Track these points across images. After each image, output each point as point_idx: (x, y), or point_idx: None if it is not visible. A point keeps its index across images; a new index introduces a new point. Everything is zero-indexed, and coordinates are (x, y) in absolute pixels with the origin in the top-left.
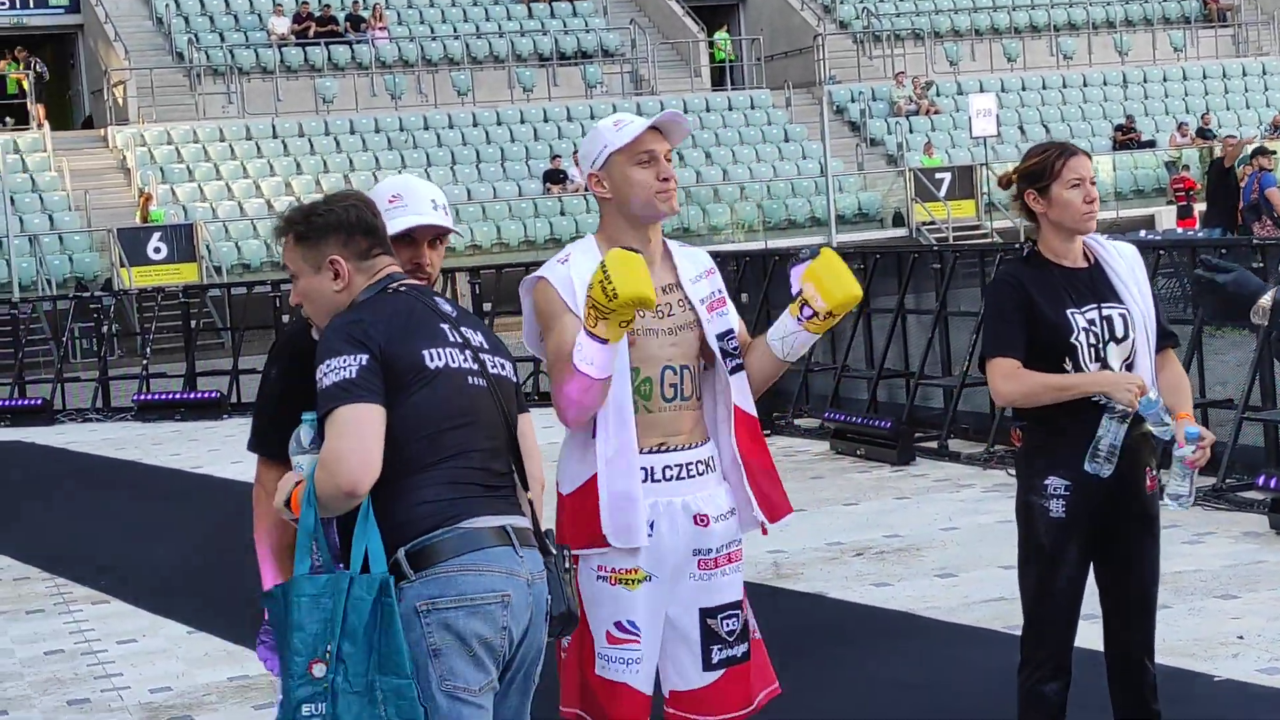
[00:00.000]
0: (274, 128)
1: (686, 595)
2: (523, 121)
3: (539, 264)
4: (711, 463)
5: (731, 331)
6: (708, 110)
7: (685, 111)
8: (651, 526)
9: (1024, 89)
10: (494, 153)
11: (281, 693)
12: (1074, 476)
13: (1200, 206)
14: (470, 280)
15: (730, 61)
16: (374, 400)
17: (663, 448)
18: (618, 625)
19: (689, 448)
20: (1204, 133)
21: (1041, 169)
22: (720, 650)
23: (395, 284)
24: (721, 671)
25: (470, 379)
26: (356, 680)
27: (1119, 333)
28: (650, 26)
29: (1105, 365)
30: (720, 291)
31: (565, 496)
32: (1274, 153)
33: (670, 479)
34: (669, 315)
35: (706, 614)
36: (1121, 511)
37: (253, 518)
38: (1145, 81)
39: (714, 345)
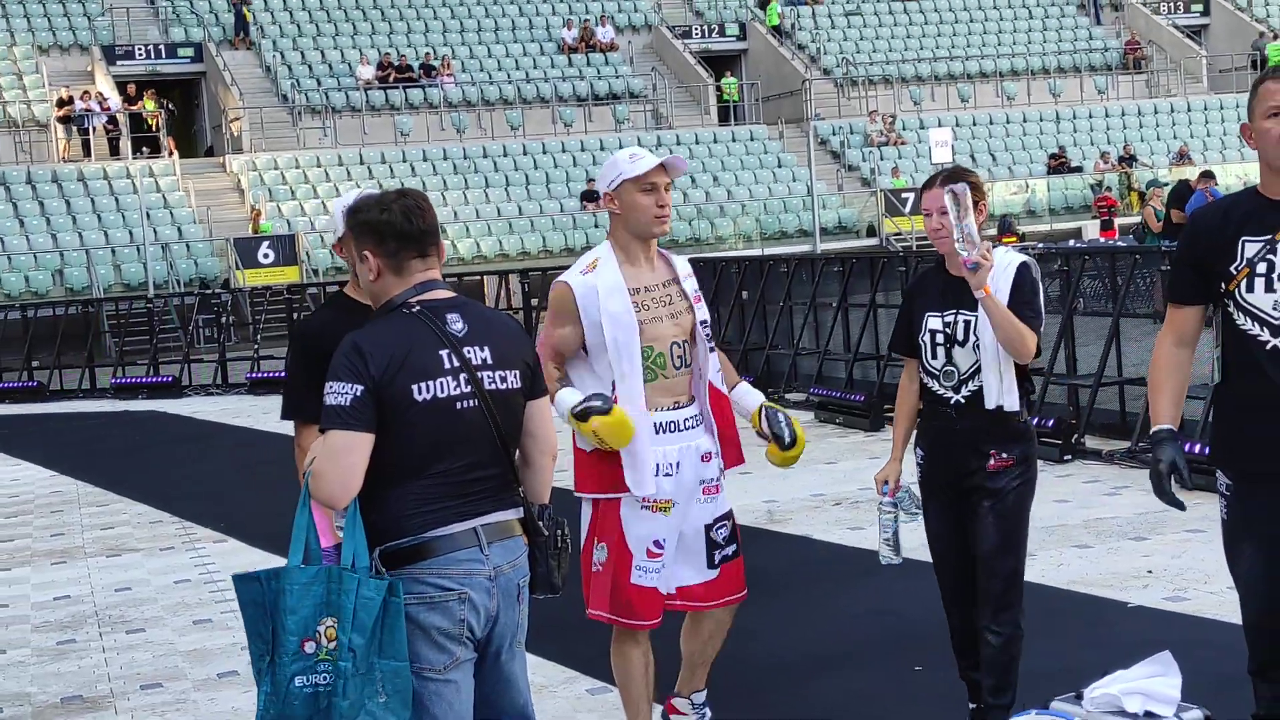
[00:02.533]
0: (361, 156)
1: (695, 515)
2: (564, 151)
3: None
4: (703, 414)
5: (706, 320)
6: (715, 142)
7: (696, 142)
8: (678, 466)
9: (974, 124)
10: (540, 176)
11: (260, 675)
12: (927, 447)
13: (1120, 220)
14: (521, 280)
15: (734, 102)
16: (362, 428)
17: (676, 405)
18: (654, 543)
19: (689, 405)
20: (1124, 160)
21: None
22: (718, 553)
23: (417, 298)
24: (719, 569)
25: (459, 403)
26: (361, 664)
27: (959, 337)
28: (668, 73)
29: (951, 363)
30: (698, 290)
31: (587, 454)
32: (1213, 176)
33: (688, 429)
34: (671, 303)
35: (708, 528)
36: (965, 484)
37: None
38: (1074, 118)
39: (699, 329)
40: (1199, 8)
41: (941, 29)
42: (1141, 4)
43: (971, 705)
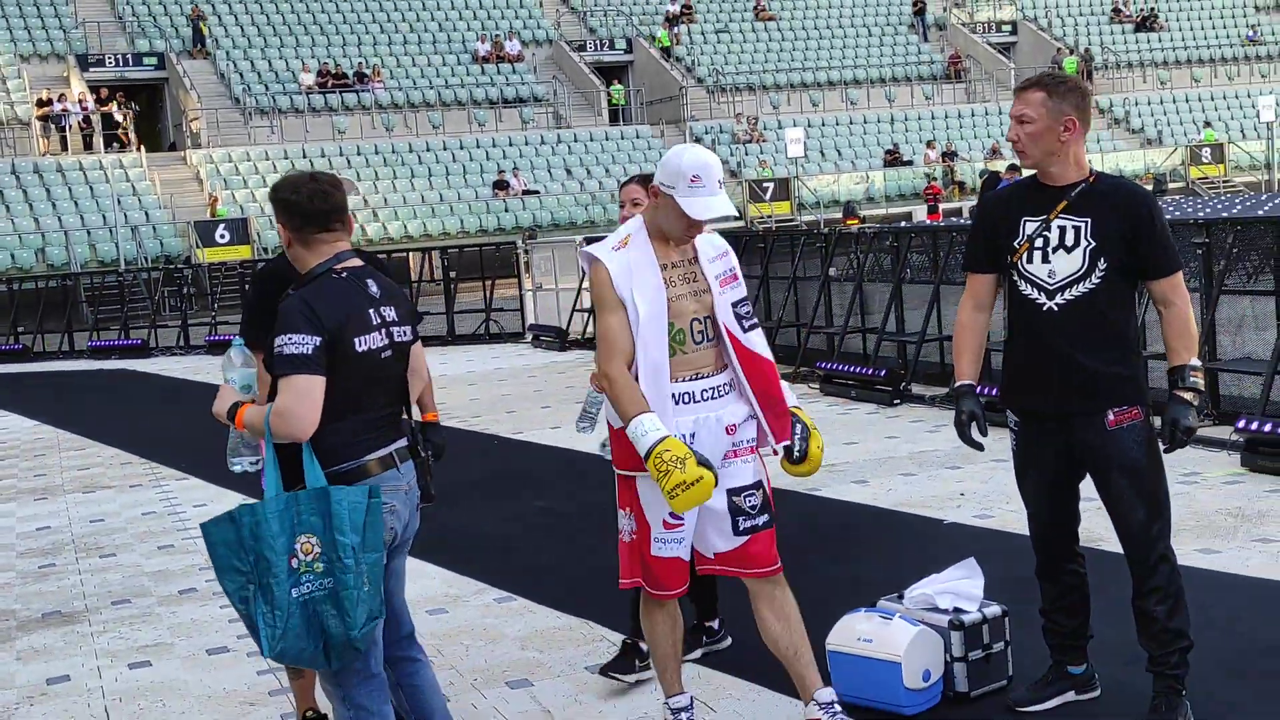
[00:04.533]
0: (304, 151)
1: (720, 481)
2: (478, 146)
3: (491, 245)
4: (731, 383)
5: (744, 299)
6: (607, 139)
7: (591, 139)
8: (694, 437)
9: (823, 125)
10: (458, 169)
11: (250, 604)
12: None
13: (944, 205)
14: (441, 256)
15: (622, 105)
16: (320, 373)
17: (698, 376)
18: (671, 514)
19: (715, 375)
20: (946, 156)
21: None
22: (745, 520)
23: (339, 266)
24: (748, 537)
25: (383, 354)
26: (350, 561)
27: None
28: (566, 80)
29: None
30: (732, 270)
31: (618, 430)
32: (1018, 168)
33: (707, 399)
34: (694, 281)
35: (732, 493)
36: None
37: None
38: (906, 120)
39: (724, 311)
40: (1008, 28)
41: (796, 45)
42: (961, 25)
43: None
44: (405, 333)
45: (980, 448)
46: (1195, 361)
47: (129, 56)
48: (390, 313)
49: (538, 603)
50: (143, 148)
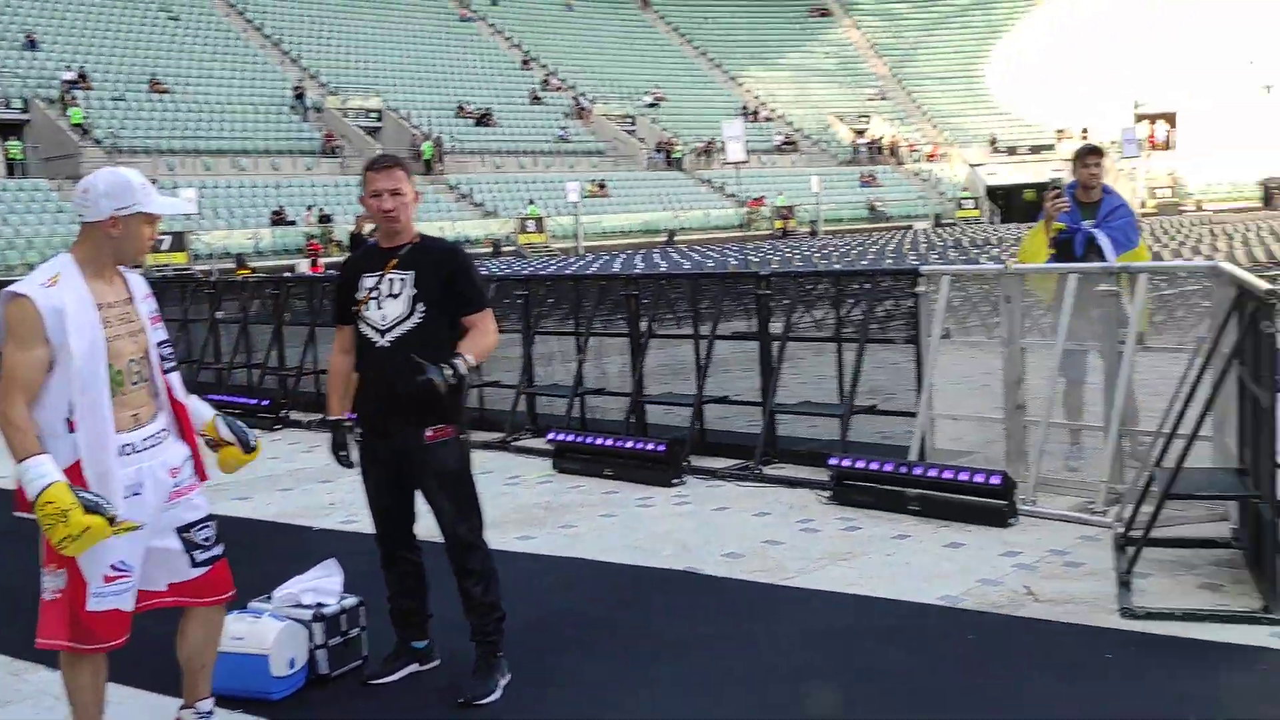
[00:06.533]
0: None
1: (165, 523)
2: None
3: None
4: (169, 428)
5: (166, 340)
6: (4, 191)
7: None
8: (141, 487)
9: (216, 187)
10: None
11: None
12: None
13: (324, 260)
14: None
15: (20, 160)
16: None
17: (137, 423)
18: (113, 567)
19: (152, 421)
20: (324, 218)
21: None
22: (201, 553)
23: None
24: (209, 567)
25: None
26: None
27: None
28: None
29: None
30: (156, 310)
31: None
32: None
33: (149, 447)
34: (130, 321)
35: (182, 530)
36: None
37: None
38: (290, 186)
39: (154, 351)
40: (375, 115)
41: (190, 116)
42: (335, 109)
43: None
44: None
45: (351, 466)
46: (470, 358)
47: None
48: None
49: None
50: None
